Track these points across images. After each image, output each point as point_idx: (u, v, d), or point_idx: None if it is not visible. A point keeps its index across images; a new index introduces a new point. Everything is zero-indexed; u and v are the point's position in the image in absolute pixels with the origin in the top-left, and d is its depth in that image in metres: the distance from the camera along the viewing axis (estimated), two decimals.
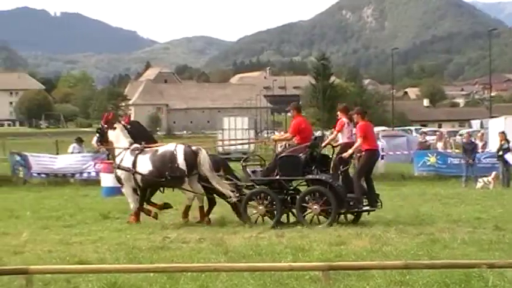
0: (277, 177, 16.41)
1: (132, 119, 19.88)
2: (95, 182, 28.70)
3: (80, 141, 33.42)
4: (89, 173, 31.37)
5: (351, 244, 13.24)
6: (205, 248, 13.10)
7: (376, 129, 45.22)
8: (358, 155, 17.09)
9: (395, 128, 79.92)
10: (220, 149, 52.56)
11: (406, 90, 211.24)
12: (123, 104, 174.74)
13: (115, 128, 17.87)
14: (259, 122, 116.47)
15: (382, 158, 30.11)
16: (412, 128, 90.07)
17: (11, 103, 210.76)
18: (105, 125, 18.08)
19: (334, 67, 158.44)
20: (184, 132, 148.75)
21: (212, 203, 17.61)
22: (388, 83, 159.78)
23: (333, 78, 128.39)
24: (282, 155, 16.62)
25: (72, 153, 32.86)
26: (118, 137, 17.72)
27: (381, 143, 34.55)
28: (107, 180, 25.47)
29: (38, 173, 31.82)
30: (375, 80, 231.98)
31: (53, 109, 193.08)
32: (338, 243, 13.34)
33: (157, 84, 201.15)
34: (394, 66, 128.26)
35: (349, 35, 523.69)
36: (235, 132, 54.69)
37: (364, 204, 16.47)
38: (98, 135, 18.30)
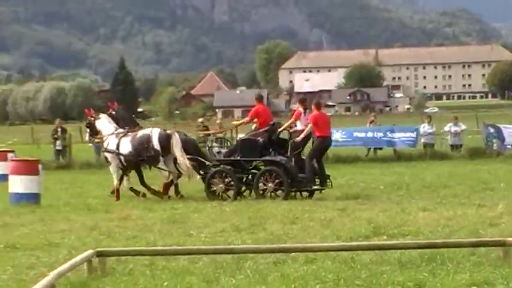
0: (238, 158, 18.38)
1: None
2: None
3: None
4: None
5: None
6: None
7: None
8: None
9: None
10: None
11: None
12: None
13: (100, 118, 19.81)
14: None
15: None
16: None
17: (483, 75, 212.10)
18: (92, 118, 19.93)
19: None
20: None
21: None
22: None
23: None
24: (243, 138, 19.14)
25: None
26: (104, 124, 19.66)
27: None
28: None
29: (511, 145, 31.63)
30: None
31: None
32: None
33: None
34: None
35: None
36: None
37: (316, 183, 18.45)
38: (88, 130, 20.36)
